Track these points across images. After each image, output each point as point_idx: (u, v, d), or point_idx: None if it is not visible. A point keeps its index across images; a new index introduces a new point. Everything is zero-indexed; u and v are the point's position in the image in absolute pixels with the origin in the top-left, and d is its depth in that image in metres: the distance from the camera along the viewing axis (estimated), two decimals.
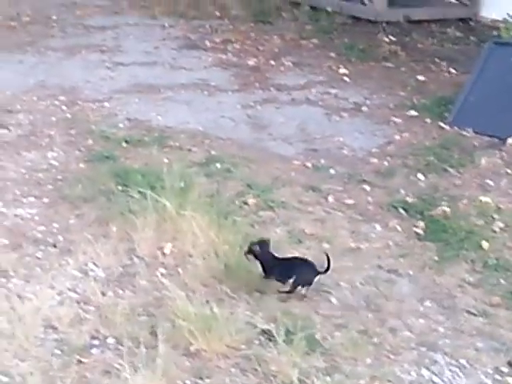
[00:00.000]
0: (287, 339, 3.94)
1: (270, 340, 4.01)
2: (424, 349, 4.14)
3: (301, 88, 7.97)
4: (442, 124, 7.15)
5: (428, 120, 7.26)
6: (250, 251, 4.49)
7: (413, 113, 7.42)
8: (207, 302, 4.27)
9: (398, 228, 5.37)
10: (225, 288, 4.45)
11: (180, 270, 4.65)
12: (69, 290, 4.43)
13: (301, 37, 9.54)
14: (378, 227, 5.37)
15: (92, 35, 9.33)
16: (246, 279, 4.52)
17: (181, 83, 7.93)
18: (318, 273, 4.47)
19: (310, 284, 4.46)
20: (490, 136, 6.88)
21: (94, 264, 4.68)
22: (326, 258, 4.54)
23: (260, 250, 4.47)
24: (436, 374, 3.97)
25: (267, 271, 4.50)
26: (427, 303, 4.56)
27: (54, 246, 4.86)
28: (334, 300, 4.51)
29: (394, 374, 3.91)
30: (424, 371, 3.98)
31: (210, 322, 3.98)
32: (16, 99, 7.20)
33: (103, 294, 4.39)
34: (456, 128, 7.06)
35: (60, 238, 4.97)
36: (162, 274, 4.63)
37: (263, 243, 4.50)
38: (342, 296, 4.54)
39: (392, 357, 4.05)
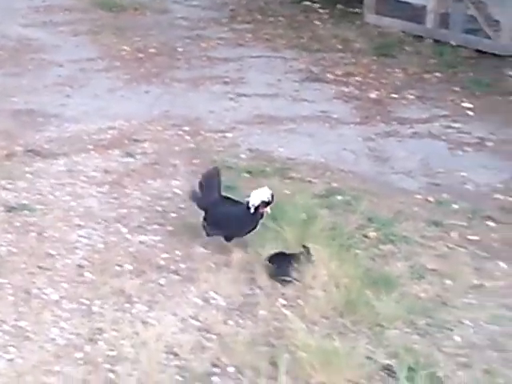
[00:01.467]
0: (409, 376, 3.88)
1: (391, 376, 3.97)
2: None
3: (423, 122, 7.88)
4: None
5: None
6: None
7: None
8: (328, 334, 4.26)
9: None
10: (345, 321, 4.43)
11: (300, 301, 4.65)
12: (191, 317, 4.50)
13: (424, 70, 9.44)
14: (503, 265, 5.22)
15: (216, 67, 9.49)
16: (366, 313, 4.48)
17: (302, 115, 7.96)
18: None
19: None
20: None
21: (216, 292, 4.74)
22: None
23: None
24: None
25: None
26: None
27: (177, 274, 4.94)
28: (457, 338, 4.41)
29: None
30: None
31: (331, 355, 3.96)
32: (142, 129, 7.39)
33: (224, 322, 4.44)
34: None
35: (182, 265, 5.05)
36: (282, 305, 4.64)
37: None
38: (466, 334, 4.44)
39: None
